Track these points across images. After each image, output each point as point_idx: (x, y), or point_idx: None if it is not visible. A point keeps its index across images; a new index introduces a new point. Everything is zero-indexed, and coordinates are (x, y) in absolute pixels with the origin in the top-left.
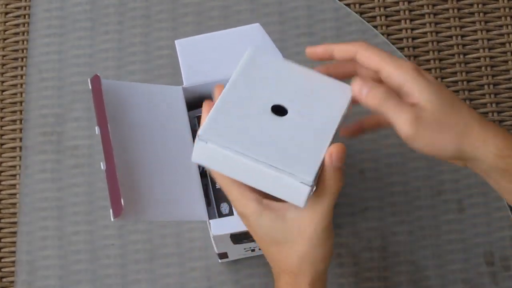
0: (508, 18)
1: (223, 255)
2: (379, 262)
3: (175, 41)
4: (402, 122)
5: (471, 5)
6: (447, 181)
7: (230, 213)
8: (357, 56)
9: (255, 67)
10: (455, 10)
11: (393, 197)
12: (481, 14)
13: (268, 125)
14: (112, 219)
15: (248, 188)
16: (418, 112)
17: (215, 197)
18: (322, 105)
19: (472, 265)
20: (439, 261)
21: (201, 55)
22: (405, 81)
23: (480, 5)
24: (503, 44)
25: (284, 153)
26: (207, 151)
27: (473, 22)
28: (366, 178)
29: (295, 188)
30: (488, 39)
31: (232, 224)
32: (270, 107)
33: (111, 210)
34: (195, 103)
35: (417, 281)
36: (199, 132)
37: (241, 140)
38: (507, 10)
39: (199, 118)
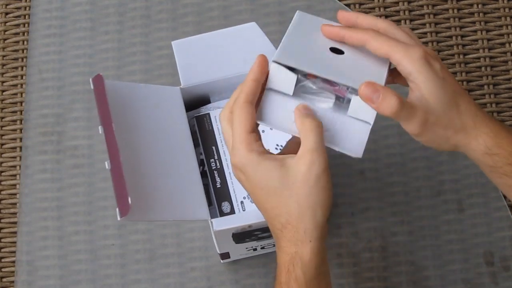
0: (508, 18)
1: (225, 255)
2: (379, 262)
3: (172, 43)
4: (412, 126)
5: (471, 5)
6: (447, 181)
7: (232, 211)
8: (367, 45)
9: (305, 23)
10: (455, 10)
11: (393, 197)
12: (481, 14)
13: (327, 56)
14: (118, 218)
15: (255, 138)
16: (425, 115)
17: (216, 197)
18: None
19: (472, 265)
20: (439, 261)
21: (198, 56)
22: (412, 71)
23: (480, 5)
24: (503, 44)
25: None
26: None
27: (473, 22)
28: (366, 178)
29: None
30: (488, 39)
31: (233, 221)
32: (329, 47)
33: (117, 209)
34: (193, 103)
35: (417, 281)
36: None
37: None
38: (507, 10)
39: (197, 118)
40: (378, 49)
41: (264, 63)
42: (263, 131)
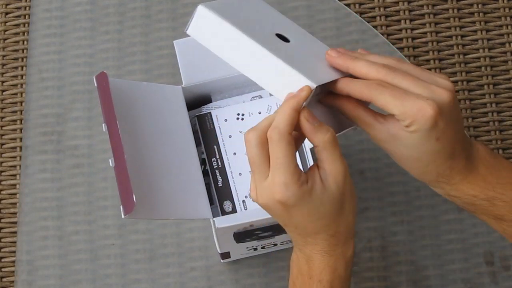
0: (508, 18)
1: (225, 255)
2: (379, 262)
3: (174, 42)
4: (376, 135)
5: (471, 5)
6: None
7: (233, 210)
8: (373, 100)
9: (234, 17)
10: (455, 10)
11: (393, 197)
12: (481, 14)
13: (278, 43)
14: (123, 216)
15: (300, 170)
16: (396, 135)
17: (217, 196)
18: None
19: (472, 265)
20: (439, 261)
21: (199, 55)
22: (412, 128)
23: (480, 5)
24: (502, 44)
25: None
26: (207, 22)
27: (473, 22)
28: (366, 178)
29: (297, 84)
30: (488, 39)
31: (235, 219)
32: (275, 34)
33: (121, 207)
34: (195, 102)
35: (417, 281)
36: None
37: (248, 27)
38: (507, 10)
39: (199, 117)
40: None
41: (310, 93)
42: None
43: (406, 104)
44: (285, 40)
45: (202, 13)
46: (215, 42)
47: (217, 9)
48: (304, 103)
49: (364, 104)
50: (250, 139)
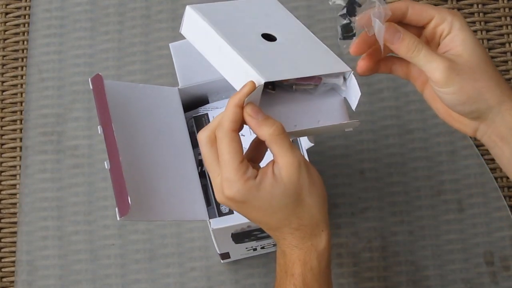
0: (508, 18)
1: (225, 256)
2: (379, 262)
3: (170, 45)
4: (434, 68)
5: (471, 5)
6: (447, 181)
7: (230, 212)
8: (409, 11)
9: (217, 18)
10: (455, 10)
11: (393, 197)
12: (481, 14)
13: (256, 42)
14: (118, 218)
15: (246, 165)
16: (451, 59)
17: (214, 197)
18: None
19: (472, 265)
20: (439, 261)
21: (195, 56)
22: (455, 28)
23: (480, 5)
24: (502, 44)
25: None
26: (194, 22)
27: (473, 22)
28: (366, 178)
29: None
30: (488, 39)
31: (231, 220)
32: (261, 34)
33: (117, 209)
34: (192, 104)
35: (417, 281)
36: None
37: (227, 30)
38: (506, 10)
39: (195, 119)
40: (421, 11)
41: (254, 89)
42: (243, 135)
43: (441, 10)
44: (272, 39)
45: (189, 13)
46: (201, 42)
47: (204, 9)
48: (247, 99)
49: None
50: (201, 138)
